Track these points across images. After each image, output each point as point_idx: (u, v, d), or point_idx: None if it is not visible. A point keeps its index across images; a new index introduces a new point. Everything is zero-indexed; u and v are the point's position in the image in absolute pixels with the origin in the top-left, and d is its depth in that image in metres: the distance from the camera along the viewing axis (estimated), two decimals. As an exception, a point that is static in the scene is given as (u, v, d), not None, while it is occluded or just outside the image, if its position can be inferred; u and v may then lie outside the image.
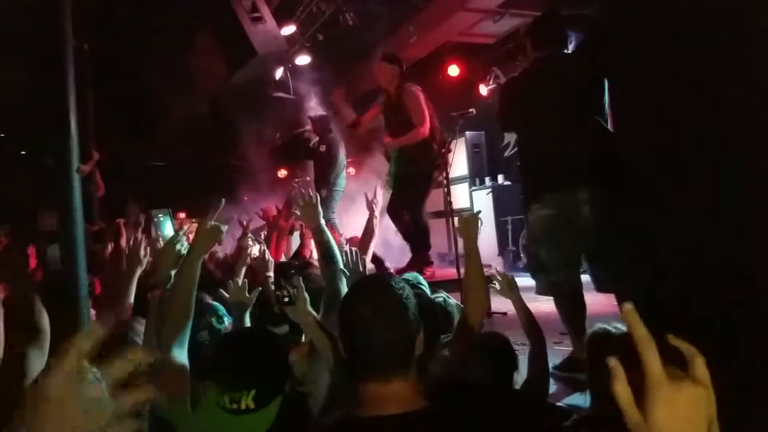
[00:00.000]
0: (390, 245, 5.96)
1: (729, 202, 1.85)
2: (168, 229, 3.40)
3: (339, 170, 6.14)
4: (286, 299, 1.76)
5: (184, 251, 1.75)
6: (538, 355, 2.10)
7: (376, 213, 3.27)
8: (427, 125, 4.70)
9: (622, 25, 2.36)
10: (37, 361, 1.64)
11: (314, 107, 6.92)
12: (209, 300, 2.44)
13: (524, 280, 6.25)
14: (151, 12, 5.96)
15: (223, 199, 1.91)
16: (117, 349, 0.67)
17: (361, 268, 2.16)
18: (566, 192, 2.69)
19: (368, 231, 3.22)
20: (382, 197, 3.54)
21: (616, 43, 2.43)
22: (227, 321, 2.42)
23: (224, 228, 1.77)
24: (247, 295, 2.17)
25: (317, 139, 6.23)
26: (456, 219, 2.17)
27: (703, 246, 1.95)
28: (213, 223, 1.75)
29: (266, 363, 1.42)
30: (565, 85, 2.72)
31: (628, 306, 0.69)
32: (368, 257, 3.09)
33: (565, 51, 2.90)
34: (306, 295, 1.79)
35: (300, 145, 6.37)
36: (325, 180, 6.14)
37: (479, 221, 2.05)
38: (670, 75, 2.00)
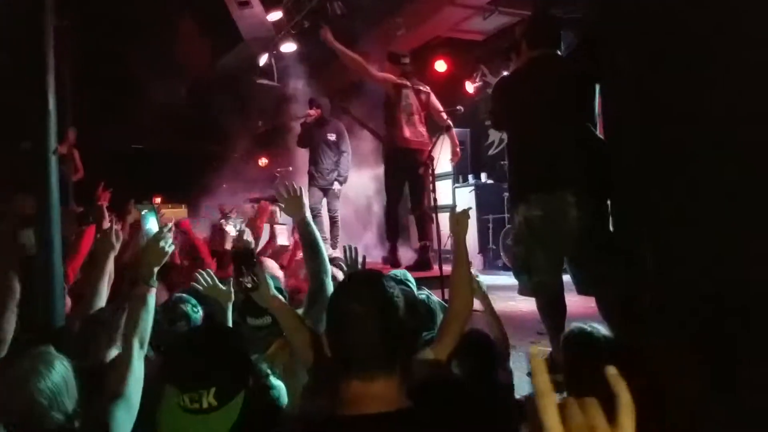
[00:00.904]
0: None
1: (712, 210, 1.88)
2: (152, 224, 3.32)
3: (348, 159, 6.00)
4: (249, 285, 1.73)
5: (168, 249, 1.71)
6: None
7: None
8: None
9: (610, 32, 2.38)
10: None
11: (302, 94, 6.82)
12: (178, 293, 2.42)
13: (504, 279, 6.30)
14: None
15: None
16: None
17: (359, 265, 2.14)
18: (553, 194, 2.70)
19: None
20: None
21: (604, 50, 2.45)
22: (201, 309, 2.41)
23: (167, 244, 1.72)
24: (222, 287, 2.12)
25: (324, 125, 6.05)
26: (448, 216, 2.10)
27: (685, 253, 1.99)
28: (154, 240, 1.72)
29: (225, 358, 1.38)
30: (557, 87, 2.73)
31: (535, 351, 0.69)
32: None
33: (559, 52, 2.91)
34: (270, 279, 1.78)
35: (307, 133, 6.12)
36: (337, 171, 5.98)
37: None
38: (658, 83, 2.02)
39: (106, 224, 2.64)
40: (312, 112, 5.96)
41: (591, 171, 2.61)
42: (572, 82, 2.74)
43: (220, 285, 2.12)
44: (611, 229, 2.69)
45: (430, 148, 4.72)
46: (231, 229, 3.52)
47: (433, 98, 5.36)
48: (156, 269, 1.68)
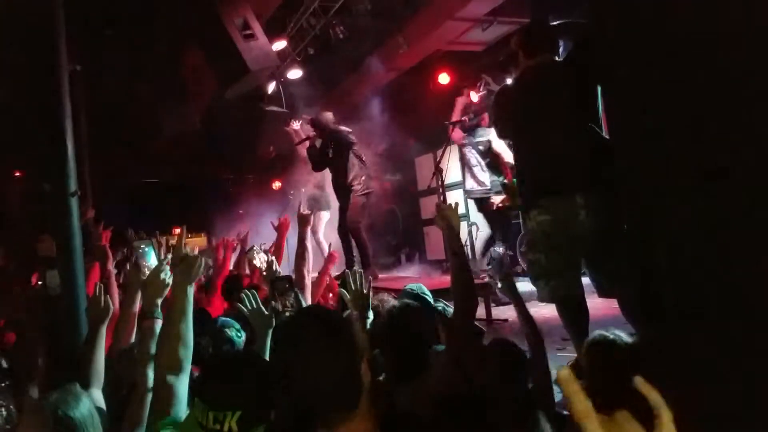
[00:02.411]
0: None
1: (725, 206, 1.87)
2: (152, 258, 3.38)
3: (352, 174, 5.92)
4: (288, 313, 1.77)
5: (169, 280, 1.74)
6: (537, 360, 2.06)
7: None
8: None
9: (612, 32, 2.40)
10: None
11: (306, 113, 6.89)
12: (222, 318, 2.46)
13: (523, 285, 6.26)
14: (141, 31, 5.98)
15: (184, 226, 1.90)
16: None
17: (365, 290, 2.13)
18: (562, 197, 2.70)
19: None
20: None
21: (607, 48, 2.46)
22: (244, 334, 2.45)
23: (197, 255, 1.72)
24: (264, 311, 2.10)
25: (321, 142, 6.09)
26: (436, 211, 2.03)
27: (700, 251, 1.97)
28: (187, 251, 1.72)
29: (255, 387, 1.39)
30: (558, 92, 2.75)
31: (565, 375, 0.68)
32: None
33: (556, 58, 2.93)
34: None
35: (314, 154, 6.17)
36: (340, 187, 5.98)
37: (458, 212, 1.97)
38: (663, 81, 2.03)
39: (111, 263, 2.69)
40: (310, 134, 6.01)
41: (598, 172, 2.61)
42: (572, 86, 2.76)
43: (264, 309, 2.09)
44: (623, 228, 2.67)
45: (438, 160, 4.75)
46: (259, 260, 3.58)
47: None
48: (159, 301, 1.72)
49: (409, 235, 9.10)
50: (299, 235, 3.19)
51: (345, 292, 2.05)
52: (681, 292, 2.00)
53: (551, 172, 2.73)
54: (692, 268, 1.96)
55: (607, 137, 2.72)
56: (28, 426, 1.36)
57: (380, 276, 6.31)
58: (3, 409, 1.27)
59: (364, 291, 2.02)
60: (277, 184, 10.87)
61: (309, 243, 3.21)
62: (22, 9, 2.46)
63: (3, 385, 1.31)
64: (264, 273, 3.57)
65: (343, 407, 1.05)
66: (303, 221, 3.24)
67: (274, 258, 3.75)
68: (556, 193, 2.70)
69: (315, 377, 1.05)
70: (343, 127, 6.10)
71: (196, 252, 1.72)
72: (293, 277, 2.52)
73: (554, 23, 2.97)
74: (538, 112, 2.77)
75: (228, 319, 2.43)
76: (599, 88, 2.75)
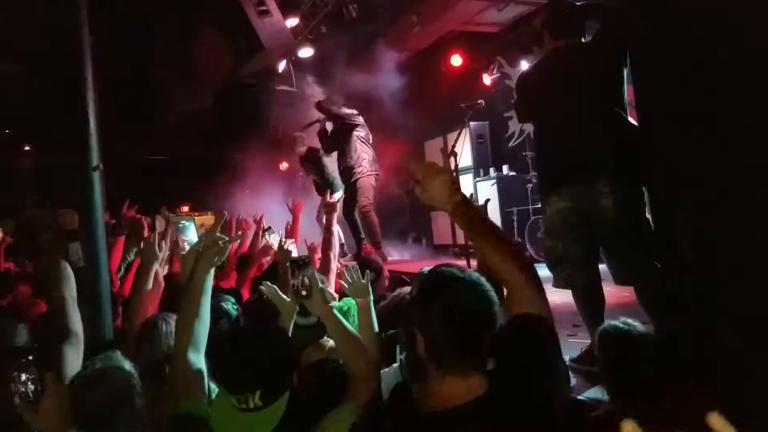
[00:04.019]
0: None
1: (757, 199, 1.84)
2: (192, 234, 3.41)
3: (356, 155, 5.88)
4: (304, 293, 1.78)
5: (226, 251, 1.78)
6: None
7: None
8: None
9: (640, 13, 2.34)
10: (74, 360, 1.66)
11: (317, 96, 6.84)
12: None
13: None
14: (155, 7, 5.91)
15: (227, 212, 1.92)
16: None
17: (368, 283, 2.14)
18: (584, 185, 2.67)
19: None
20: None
21: (635, 30, 2.41)
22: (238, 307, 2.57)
23: (227, 241, 1.77)
24: (286, 298, 2.13)
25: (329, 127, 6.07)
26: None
27: (728, 244, 1.94)
28: (219, 235, 1.76)
29: (269, 361, 1.42)
30: (583, 75, 2.70)
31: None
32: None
33: (583, 40, 2.88)
34: (322, 287, 1.82)
35: (324, 136, 6.13)
36: (345, 170, 5.96)
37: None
38: (697, 64, 1.98)
39: (147, 233, 2.74)
40: (319, 117, 5.98)
41: (623, 158, 2.58)
42: (599, 70, 2.71)
43: (285, 297, 2.12)
44: (648, 216, 2.65)
45: (453, 143, 4.72)
46: (273, 241, 3.64)
47: None
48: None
49: (416, 219, 9.09)
50: (326, 222, 3.27)
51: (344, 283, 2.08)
52: (706, 285, 1.98)
53: (574, 157, 2.70)
54: (719, 262, 1.94)
55: (633, 123, 2.68)
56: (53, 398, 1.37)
57: (389, 259, 6.31)
58: (30, 383, 1.28)
59: (362, 280, 2.05)
60: (284, 165, 10.84)
61: (335, 229, 3.26)
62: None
63: (29, 358, 1.32)
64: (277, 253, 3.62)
65: (476, 362, 1.20)
66: (330, 209, 3.31)
67: (288, 239, 3.79)
68: (579, 180, 2.68)
69: (474, 328, 1.21)
70: (346, 110, 6.06)
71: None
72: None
73: (580, 3, 2.90)
74: (563, 96, 2.72)
75: (223, 294, 2.56)
76: (625, 72, 2.70)
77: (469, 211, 1.38)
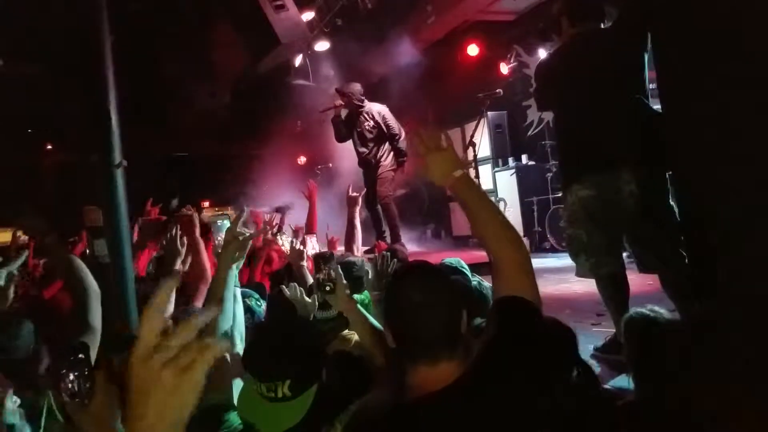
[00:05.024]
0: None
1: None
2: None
3: (380, 145, 5.87)
4: (327, 288, 1.80)
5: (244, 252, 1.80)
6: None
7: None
8: None
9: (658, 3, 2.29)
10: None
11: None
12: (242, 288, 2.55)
13: (553, 261, 6.18)
14: (171, 4, 5.96)
15: (247, 208, 1.94)
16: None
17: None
18: (607, 173, 2.63)
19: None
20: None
21: (656, 15, 2.36)
22: (263, 303, 2.58)
23: (249, 234, 1.80)
24: (307, 300, 2.16)
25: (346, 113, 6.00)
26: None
27: (756, 233, 1.89)
28: (240, 230, 1.77)
29: (301, 352, 1.44)
30: (604, 62, 2.65)
31: None
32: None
33: (603, 26, 2.83)
34: (345, 282, 1.83)
35: (339, 126, 6.08)
36: (366, 161, 5.94)
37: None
38: (721, 48, 1.93)
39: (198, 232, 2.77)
40: (337, 103, 5.88)
41: (646, 145, 2.54)
42: (619, 56, 2.66)
43: (307, 299, 2.15)
44: (672, 203, 2.61)
45: (472, 133, 4.69)
46: (285, 243, 3.70)
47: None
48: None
49: (435, 211, 9.07)
50: (348, 215, 3.32)
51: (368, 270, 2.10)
52: (734, 274, 1.94)
53: (595, 145, 2.66)
54: (748, 251, 1.90)
55: (655, 109, 2.63)
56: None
57: (408, 251, 6.32)
58: (80, 380, 1.28)
59: (389, 270, 2.07)
60: (302, 159, 10.91)
61: (358, 222, 3.32)
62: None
63: (79, 357, 1.31)
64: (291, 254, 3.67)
65: (446, 348, 1.18)
66: (352, 202, 3.36)
67: (308, 235, 3.83)
68: (602, 168, 2.64)
69: (433, 318, 1.19)
70: (368, 103, 5.96)
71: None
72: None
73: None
74: (584, 83, 2.68)
75: (247, 289, 2.55)
76: (646, 57, 2.65)
77: (469, 188, 1.39)
